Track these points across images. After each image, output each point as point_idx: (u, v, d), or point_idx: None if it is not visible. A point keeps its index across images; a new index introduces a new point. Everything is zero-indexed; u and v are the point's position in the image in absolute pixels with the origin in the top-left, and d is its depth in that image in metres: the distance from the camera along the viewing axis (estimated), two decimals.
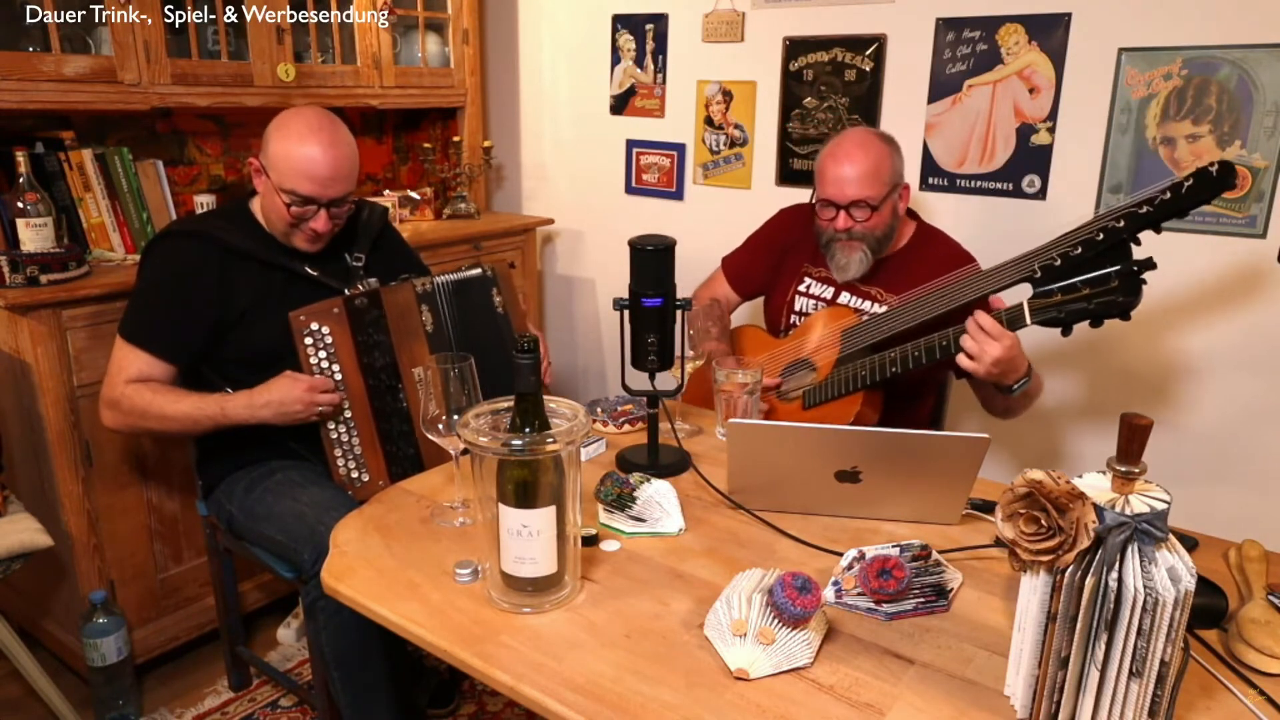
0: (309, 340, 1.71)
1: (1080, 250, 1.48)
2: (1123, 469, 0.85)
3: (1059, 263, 1.50)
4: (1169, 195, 1.45)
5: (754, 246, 2.17)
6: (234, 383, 1.76)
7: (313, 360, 1.71)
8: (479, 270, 1.93)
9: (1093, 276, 1.45)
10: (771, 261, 2.10)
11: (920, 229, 1.98)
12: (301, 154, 1.69)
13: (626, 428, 1.73)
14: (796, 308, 2.03)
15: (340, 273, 1.86)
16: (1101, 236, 1.47)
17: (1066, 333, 1.50)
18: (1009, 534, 0.88)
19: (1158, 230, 1.49)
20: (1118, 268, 1.44)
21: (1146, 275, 1.43)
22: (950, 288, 1.72)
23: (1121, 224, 1.46)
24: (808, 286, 2.02)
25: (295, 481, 1.76)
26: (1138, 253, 1.47)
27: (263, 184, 1.77)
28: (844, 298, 1.96)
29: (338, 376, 1.72)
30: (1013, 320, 1.54)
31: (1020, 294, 1.56)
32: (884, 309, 1.87)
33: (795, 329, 1.99)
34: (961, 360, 1.58)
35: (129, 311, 1.76)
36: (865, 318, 1.86)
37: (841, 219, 1.84)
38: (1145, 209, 1.46)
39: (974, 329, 1.55)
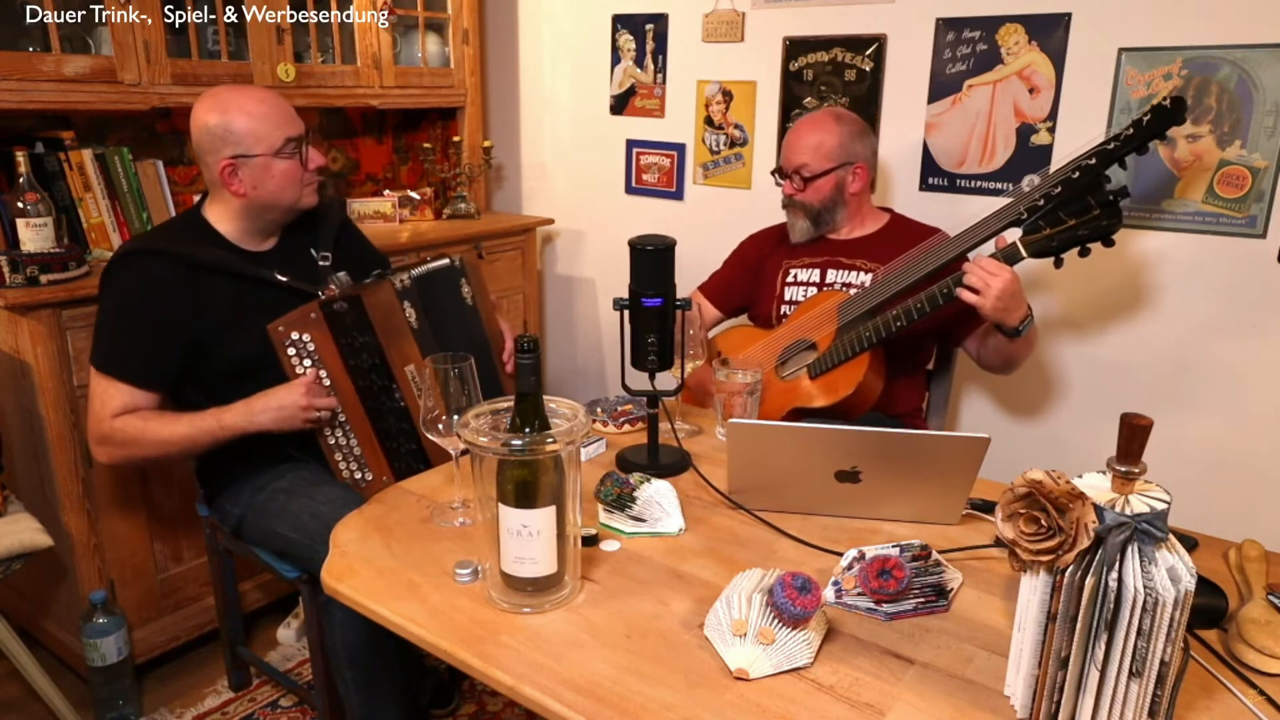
0: (292, 350, 1.68)
1: (1061, 190, 1.64)
2: (1123, 469, 0.85)
3: (1043, 203, 1.65)
4: (1132, 130, 1.63)
5: (729, 268, 2.24)
6: (218, 398, 1.69)
7: (299, 370, 1.69)
8: (446, 260, 1.86)
9: (1075, 209, 1.62)
10: (749, 277, 2.18)
11: (894, 218, 2.07)
12: (263, 110, 1.70)
13: (626, 428, 1.73)
14: (788, 298, 2.07)
15: (309, 273, 1.82)
16: (1078, 174, 1.63)
17: (1059, 264, 1.65)
18: (1009, 534, 0.88)
19: (1123, 165, 1.68)
20: (1095, 199, 1.60)
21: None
22: (940, 247, 1.82)
23: (1094, 161, 1.64)
24: (794, 276, 2.07)
25: (307, 480, 1.74)
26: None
27: (250, 173, 1.70)
28: (831, 274, 2.01)
29: (326, 382, 1.70)
30: (1009, 257, 1.66)
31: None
32: (870, 277, 1.96)
33: (788, 317, 2.03)
34: (966, 296, 1.66)
35: (99, 341, 1.68)
36: (856, 291, 1.92)
37: (787, 185, 2.03)
38: (1113, 144, 1.63)
39: (975, 267, 1.65)
